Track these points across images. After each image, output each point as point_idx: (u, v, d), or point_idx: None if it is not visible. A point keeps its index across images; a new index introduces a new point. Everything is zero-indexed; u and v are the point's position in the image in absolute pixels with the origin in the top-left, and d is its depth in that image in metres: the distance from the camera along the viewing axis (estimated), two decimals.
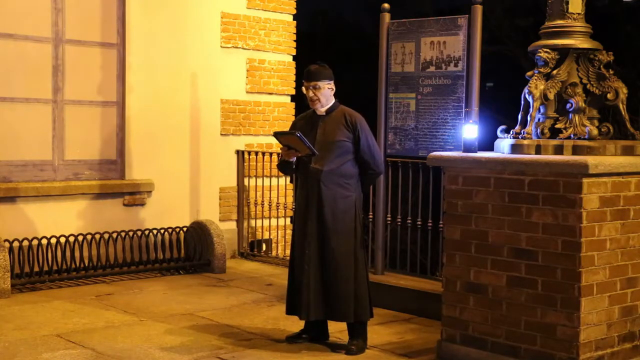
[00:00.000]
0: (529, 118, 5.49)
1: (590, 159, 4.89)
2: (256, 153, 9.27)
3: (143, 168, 8.62)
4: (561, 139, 5.42)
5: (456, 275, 5.47)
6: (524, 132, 5.46)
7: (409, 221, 7.34)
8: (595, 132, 5.33)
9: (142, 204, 8.58)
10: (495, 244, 5.25)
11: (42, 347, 5.67)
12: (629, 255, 5.19)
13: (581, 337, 4.92)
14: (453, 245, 5.49)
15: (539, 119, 5.57)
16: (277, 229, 9.43)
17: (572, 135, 5.41)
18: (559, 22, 5.59)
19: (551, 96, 5.51)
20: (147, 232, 8.27)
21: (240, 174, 9.37)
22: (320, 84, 5.72)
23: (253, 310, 6.87)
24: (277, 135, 5.76)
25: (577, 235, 4.90)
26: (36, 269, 7.49)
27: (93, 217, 8.21)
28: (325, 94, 5.74)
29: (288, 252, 6.28)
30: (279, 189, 9.09)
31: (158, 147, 8.74)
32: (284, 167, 5.91)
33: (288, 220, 9.35)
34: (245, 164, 9.34)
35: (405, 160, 7.17)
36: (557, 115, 5.56)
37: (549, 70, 5.53)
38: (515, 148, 5.41)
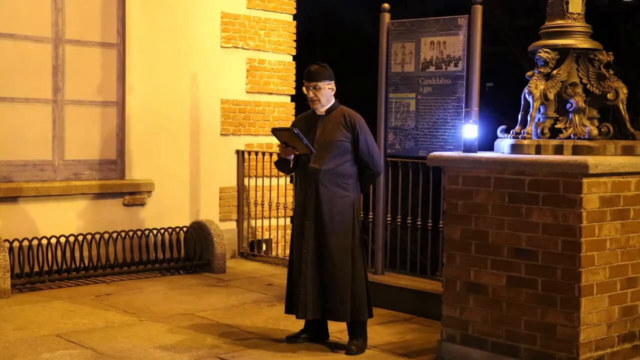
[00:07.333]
0: (529, 118, 5.48)
1: (590, 159, 4.88)
2: (256, 153, 9.27)
3: (143, 168, 8.62)
4: (561, 139, 5.41)
5: (456, 275, 5.47)
6: (524, 132, 5.45)
7: (409, 221, 7.34)
8: (595, 132, 5.33)
9: (142, 204, 8.58)
10: (495, 244, 5.25)
11: (42, 347, 5.67)
12: (629, 255, 5.19)
13: (581, 337, 4.92)
14: (453, 245, 5.49)
15: (539, 119, 5.57)
16: (277, 229, 9.43)
17: (572, 135, 5.41)
18: (559, 22, 5.58)
19: (551, 96, 5.51)
20: (147, 232, 8.27)
21: (240, 174, 9.37)
22: (321, 84, 5.72)
23: (253, 310, 6.87)
24: (274, 131, 5.75)
25: (577, 235, 4.90)
26: (36, 269, 7.49)
27: (93, 217, 8.21)
28: (326, 94, 5.74)
29: (288, 252, 6.28)
30: (279, 189, 9.09)
31: (158, 147, 8.74)
32: (281, 164, 5.91)
33: (288, 220, 9.35)
34: (245, 164, 9.34)
35: (405, 160, 7.18)
36: (557, 115, 5.56)
37: (549, 70, 5.52)
38: (515, 148, 5.41)
